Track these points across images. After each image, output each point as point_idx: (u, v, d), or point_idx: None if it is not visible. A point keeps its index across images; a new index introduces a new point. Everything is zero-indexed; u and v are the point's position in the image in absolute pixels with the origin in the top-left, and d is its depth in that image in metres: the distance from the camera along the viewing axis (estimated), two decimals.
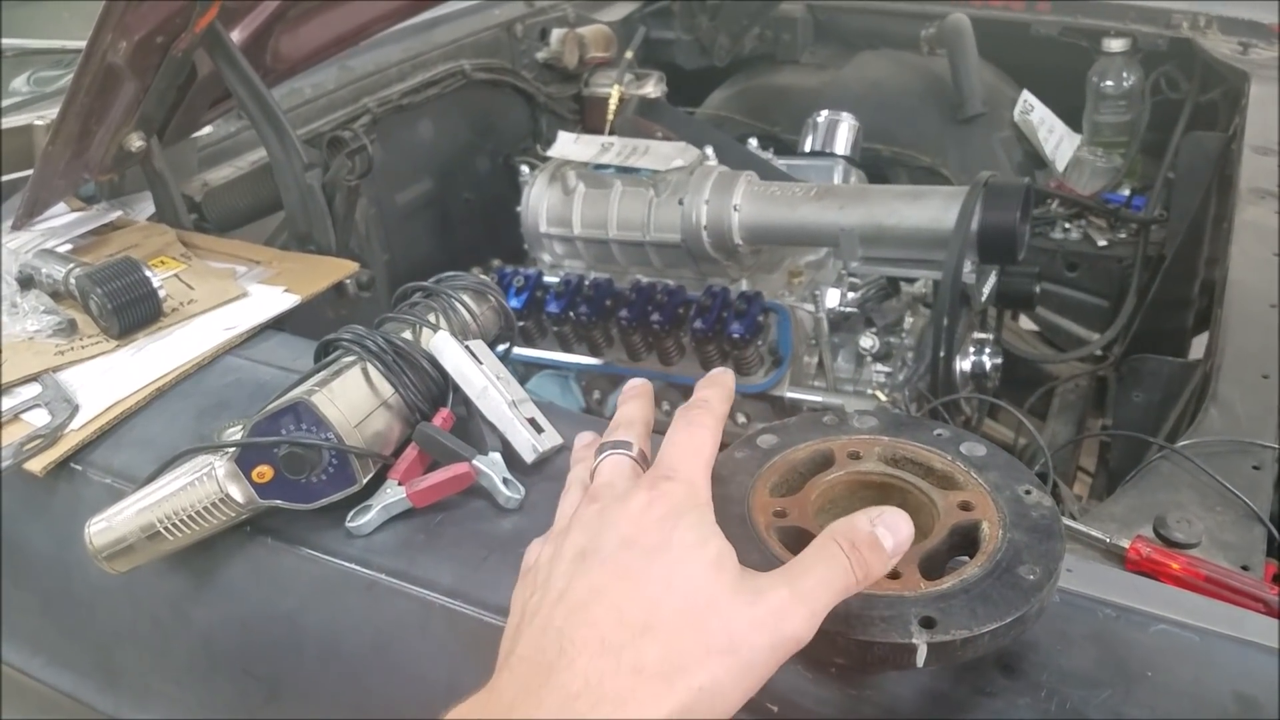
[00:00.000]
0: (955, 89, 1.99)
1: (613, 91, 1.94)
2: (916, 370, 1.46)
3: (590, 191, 1.52)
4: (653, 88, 1.98)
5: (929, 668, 0.54)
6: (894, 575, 0.56)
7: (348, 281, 1.20)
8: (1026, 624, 0.54)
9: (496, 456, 0.78)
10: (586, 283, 1.48)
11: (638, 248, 1.51)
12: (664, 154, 1.52)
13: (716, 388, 0.61)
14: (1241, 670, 0.60)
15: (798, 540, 0.59)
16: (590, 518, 0.52)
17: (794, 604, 0.48)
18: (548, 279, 1.52)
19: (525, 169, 1.62)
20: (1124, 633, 0.62)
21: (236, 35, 1.20)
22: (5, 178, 1.23)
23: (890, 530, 0.52)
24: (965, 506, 0.60)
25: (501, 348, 0.94)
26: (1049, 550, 0.56)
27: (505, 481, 0.77)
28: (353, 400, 0.77)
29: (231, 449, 0.74)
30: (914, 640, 0.51)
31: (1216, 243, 1.50)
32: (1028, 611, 0.53)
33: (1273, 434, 0.90)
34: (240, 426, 0.77)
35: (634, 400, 0.65)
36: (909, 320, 1.48)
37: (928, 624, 0.52)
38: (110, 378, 0.94)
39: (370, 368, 0.80)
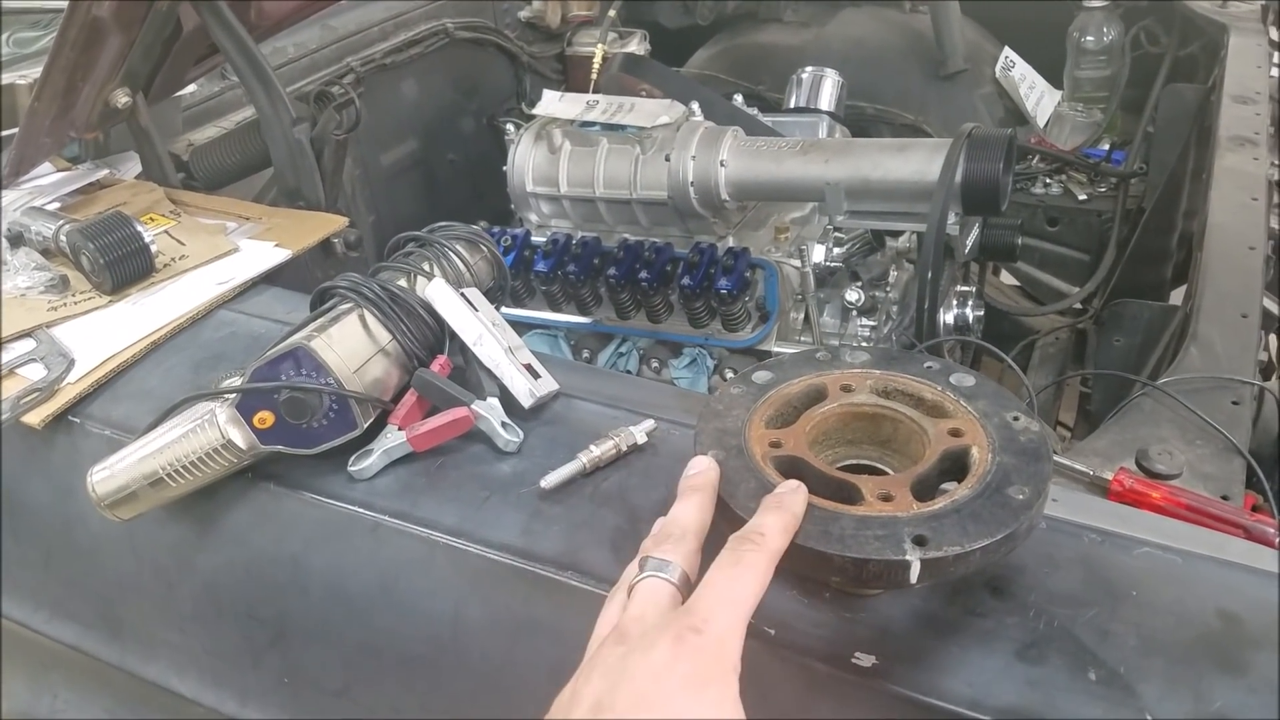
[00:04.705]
0: (938, 46, 1.99)
1: (596, 51, 1.93)
2: (901, 323, 1.48)
3: (576, 150, 1.52)
4: (636, 46, 1.97)
5: (922, 585, 0.56)
6: (887, 498, 0.58)
7: (336, 241, 1.20)
8: (1017, 541, 0.56)
9: (494, 401, 0.80)
10: (574, 242, 1.48)
11: (625, 206, 1.51)
12: (649, 111, 1.51)
13: (777, 513, 0.53)
14: (1224, 588, 0.62)
15: (792, 468, 0.61)
16: (612, 663, 0.48)
17: None
18: (535, 239, 1.52)
19: (510, 128, 1.62)
20: (1109, 556, 0.65)
21: None
22: None
23: None
24: (955, 433, 0.62)
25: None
26: (1037, 471, 0.58)
27: (504, 425, 0.78)
28: (351, 346, 0.78)
29: (232, 395, 0.75)
30: (908, 557, 0.53)
31: (1195, 195, 1.52)
32: (1017, 529, 0.55)
33: (1251, 371, 0.93)
34: (239, 376, 0.78)
35: (691, 497, 0.57)
36: (893, 274, 1.49)
37: (920, 542, 0.54)
38: (104, 332, 0.94)
39: (367, 315, 0.80)
